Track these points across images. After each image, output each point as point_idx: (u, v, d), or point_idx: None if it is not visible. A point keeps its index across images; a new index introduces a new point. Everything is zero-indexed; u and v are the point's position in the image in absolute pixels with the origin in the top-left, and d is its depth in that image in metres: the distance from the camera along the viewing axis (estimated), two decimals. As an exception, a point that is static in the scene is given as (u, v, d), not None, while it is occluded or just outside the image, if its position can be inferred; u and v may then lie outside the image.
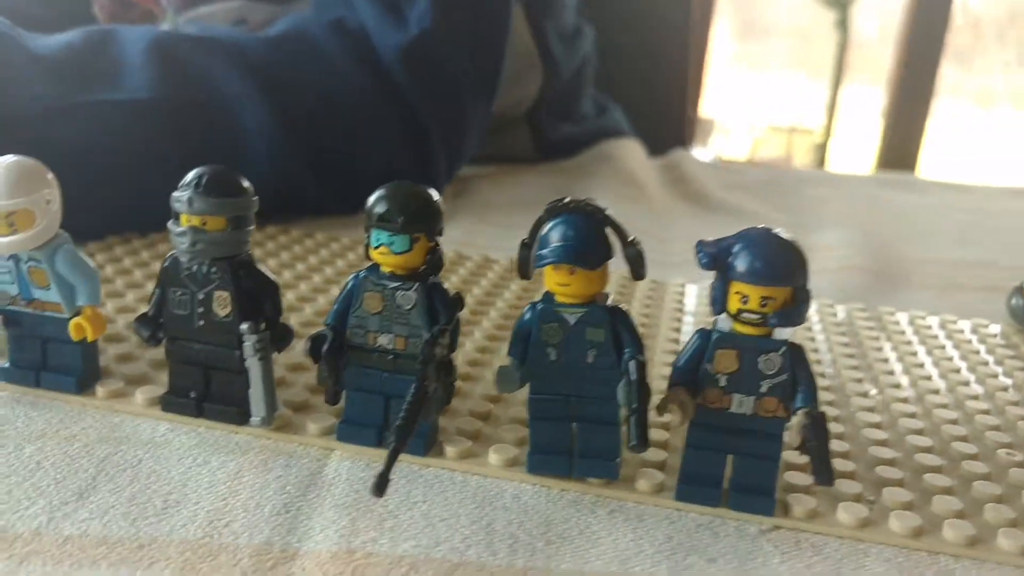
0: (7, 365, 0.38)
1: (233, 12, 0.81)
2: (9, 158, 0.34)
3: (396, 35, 0.66)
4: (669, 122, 1.21)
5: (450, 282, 0.55)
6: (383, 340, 0.34)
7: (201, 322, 0.35)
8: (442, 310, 0.33)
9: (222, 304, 0.35)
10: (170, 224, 0.34)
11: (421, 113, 0.67)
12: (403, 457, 0.34)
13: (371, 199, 0.33)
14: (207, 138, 0.59)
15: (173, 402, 0.36)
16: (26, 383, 0.37)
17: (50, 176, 0.35)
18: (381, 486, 0.29)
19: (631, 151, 0.93)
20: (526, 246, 0.32)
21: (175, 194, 0.34)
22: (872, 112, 2.54)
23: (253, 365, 0.35)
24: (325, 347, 0.33)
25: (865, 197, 0.86)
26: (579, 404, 0.33)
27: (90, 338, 0.36)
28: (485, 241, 0.65)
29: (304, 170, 0.63)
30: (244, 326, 0.34)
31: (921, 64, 2.39)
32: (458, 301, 0.33)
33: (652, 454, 0.35)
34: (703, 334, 0.32)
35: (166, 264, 0.35)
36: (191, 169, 0.34)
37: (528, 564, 0.29)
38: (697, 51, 1.46)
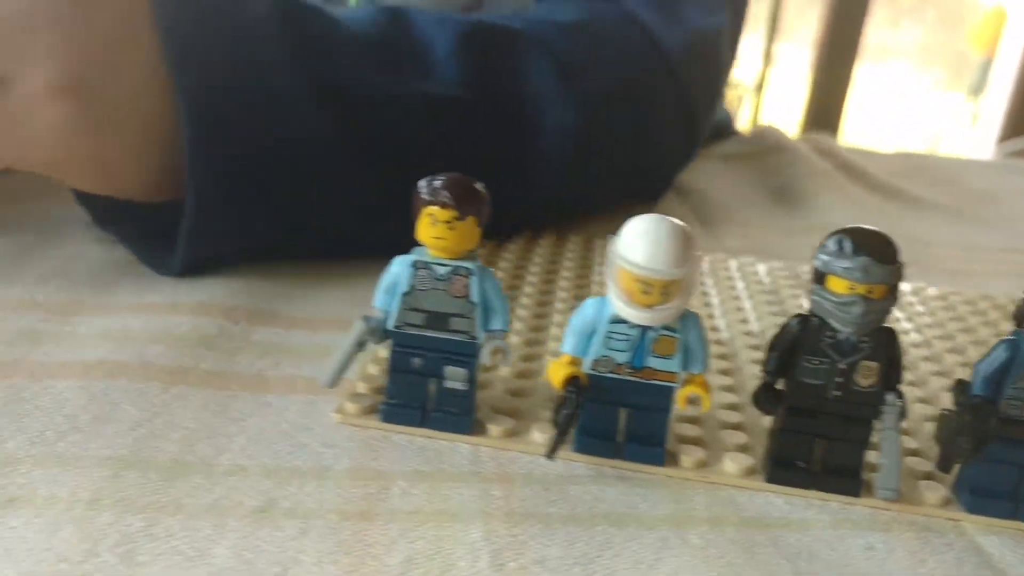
0: (582, 437, 0.34)
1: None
2: (671, 222, 0.30)
3: (678, 29, 0.63)
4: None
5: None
6: (1043, 412, 0.32)
7: (837, 392, 0.33)
8: None
9: (867, 374, 0.32)
10: (819, 290, 0.32)
11: (696, 102, 0.65)
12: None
13: None
14: (503, 138, 0.55)
15: (782, 474, 0.34)
16: (604, 454, 0.34)
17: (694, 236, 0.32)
18: None
19: (778, 135, 0.92)
20: None
21: (829, 259, 0.31)
22: (800, 70, 2.63)
23: (890, 435, 0.33)
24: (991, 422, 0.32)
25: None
26: None
27: (705, 408, 0.33)
28: (761, 245, 0.63)
29: (597, 166, 0.59)
30: (890, 396, 0.32)
31: (846, 24, 2.48)
32: None
33: None
34: None
35: (798, 331, 0.33)
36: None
37: None
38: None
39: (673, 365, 0.33)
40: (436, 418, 0.34)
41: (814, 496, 0.34)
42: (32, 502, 0.28)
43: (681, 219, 0.66)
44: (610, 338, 0.32)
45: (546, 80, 0.56)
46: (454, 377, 0.34)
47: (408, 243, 0.34)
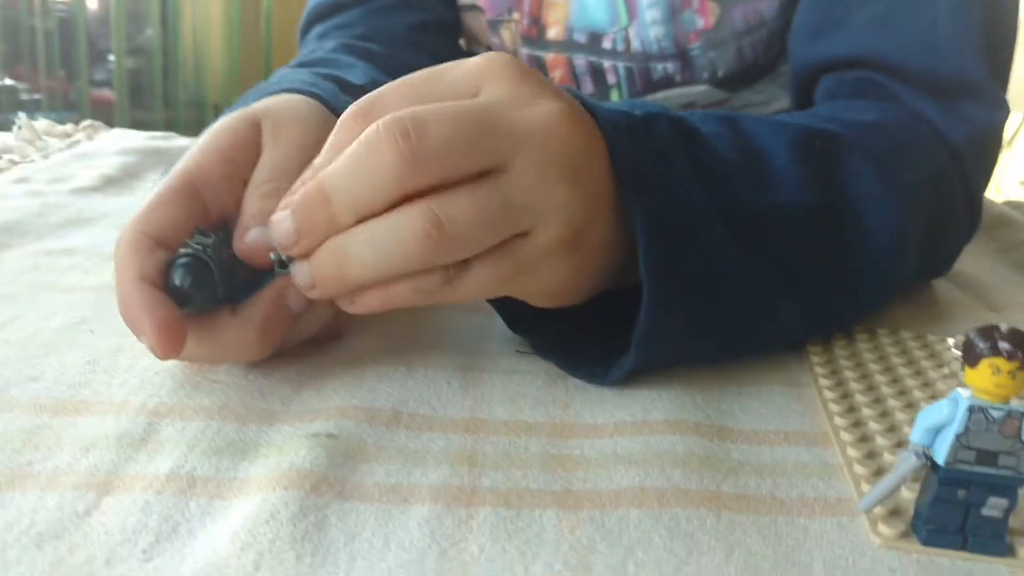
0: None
1: (686, 97, 0.80)
2: None
3: (961, 125, 0.67)
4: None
5: None
6: None
7: None
8: None
9: None
10: None
11: (977, 190, 0.70)
12: None
13: None
14: (836, 242, 0.58)
15: None
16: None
17: None
18: None
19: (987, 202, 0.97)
20: None
21: None
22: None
23: None
24: None
25: None
26: None
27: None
28: None
29: (909, 260, 0.63)
30: None
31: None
32: None
33: None
34: None
35: None
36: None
37: None
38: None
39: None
40: (974, 542, 0.38)
41: None
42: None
43: (970, 307, 0.70)
44: None
45: (867, 181, 0.59)
46: (995, 507, 0.38)
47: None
